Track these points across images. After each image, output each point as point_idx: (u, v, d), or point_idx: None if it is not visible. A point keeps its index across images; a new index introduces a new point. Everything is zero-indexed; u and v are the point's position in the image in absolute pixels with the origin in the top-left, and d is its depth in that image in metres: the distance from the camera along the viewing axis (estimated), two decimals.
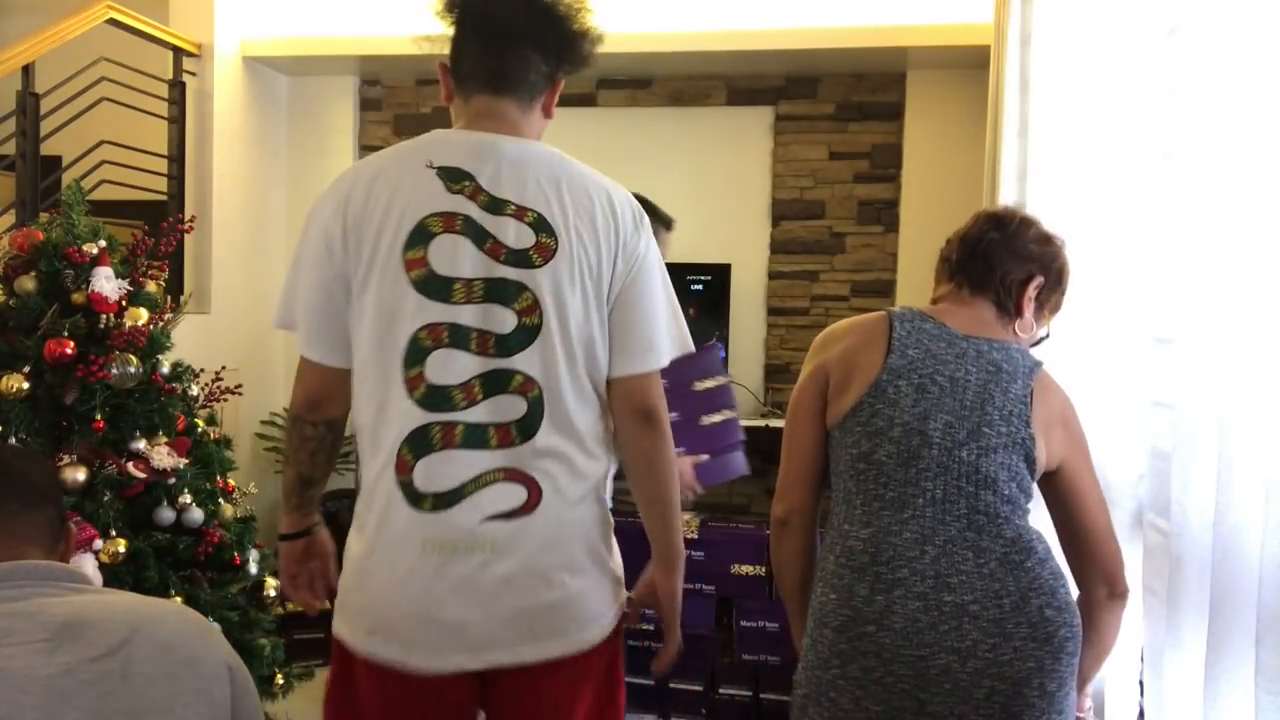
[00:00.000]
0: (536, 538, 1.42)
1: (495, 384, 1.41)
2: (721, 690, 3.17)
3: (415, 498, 1.41)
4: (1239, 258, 1.52)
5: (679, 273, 3.80)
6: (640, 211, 1.53)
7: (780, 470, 1.65)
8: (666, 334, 1.50)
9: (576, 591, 1.45)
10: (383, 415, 1.42)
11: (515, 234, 1.42)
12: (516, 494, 1.42)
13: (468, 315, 1.40)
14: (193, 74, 3.74)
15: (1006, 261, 1.59)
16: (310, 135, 4.21)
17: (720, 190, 3.97)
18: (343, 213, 1.43)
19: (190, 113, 3.74)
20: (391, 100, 4.18)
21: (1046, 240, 1.64)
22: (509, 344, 1.41)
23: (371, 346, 1.42)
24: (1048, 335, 1.70)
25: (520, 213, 1.43)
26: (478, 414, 1.41)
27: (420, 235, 1.40)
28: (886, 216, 3.85)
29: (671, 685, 3.23)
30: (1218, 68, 1.59)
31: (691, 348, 1.57)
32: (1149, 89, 1.89)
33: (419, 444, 1.40)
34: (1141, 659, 1.89)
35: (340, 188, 1.46)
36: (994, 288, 1.60)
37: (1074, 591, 1.53)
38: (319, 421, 1.52)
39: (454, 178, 1.43)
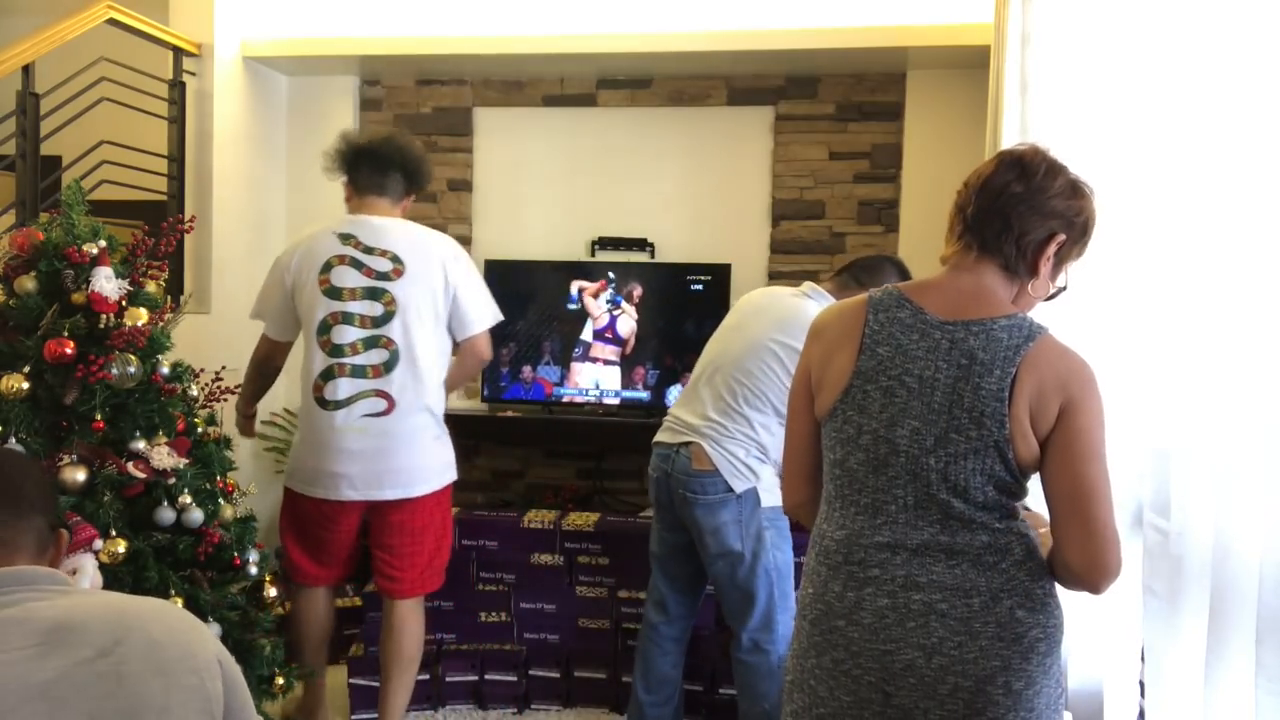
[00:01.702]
0: (391, 430, 2.67)
1: (370, 343, 2.67)
2: (721, 690, 3.17)
3: (324, 404, 2.68)
4: (1240, 256, 1.52)
5: (679, 273, 3.81)
6: (458, 249, 2.79)
7: (783, 464, 1.69)
8: (482, 313, 2.79)
9: (413, 463, 2.71)
10: (311, 363, 2.71)
11: (381, 264, 2.69)
12: (380, 404, 2.66)
13: (355, 307, 2.67)
14: (193, 74, 3.74)
15: (1027, 219, 1.46)
16: (310, 135, 4.20)
17: (720, 190, 3.98)
18: (291, 258, 2.76)
19: (190, 113, 3.74)
20: (391, 100, 4.18)
21: (1073, 192, 1.48)
22: (379, 321, 2.67)
23: (306, 327, 2.72)
24: (1065, 287, 1.56)
25: (384, 253, 2.70)
26: (360, 359, 2.67)
27: (326, 267, 2.69)
28: (886, 216, 3.85)
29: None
30: (1217, 65, 1.59)
31: (500, 317, 2.86)
32: (1148, 88, 1.89)
33: (326, 375, 2.67)
34: (1141, 659, 1.90)
35: (291, 245, 2.82)
36: (1006, 249, 1.47)
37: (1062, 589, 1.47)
38: (270, 370, 2.95)
39: (345, 238, 2.72)
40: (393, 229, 2.74)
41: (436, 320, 2.72)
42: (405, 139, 2.87)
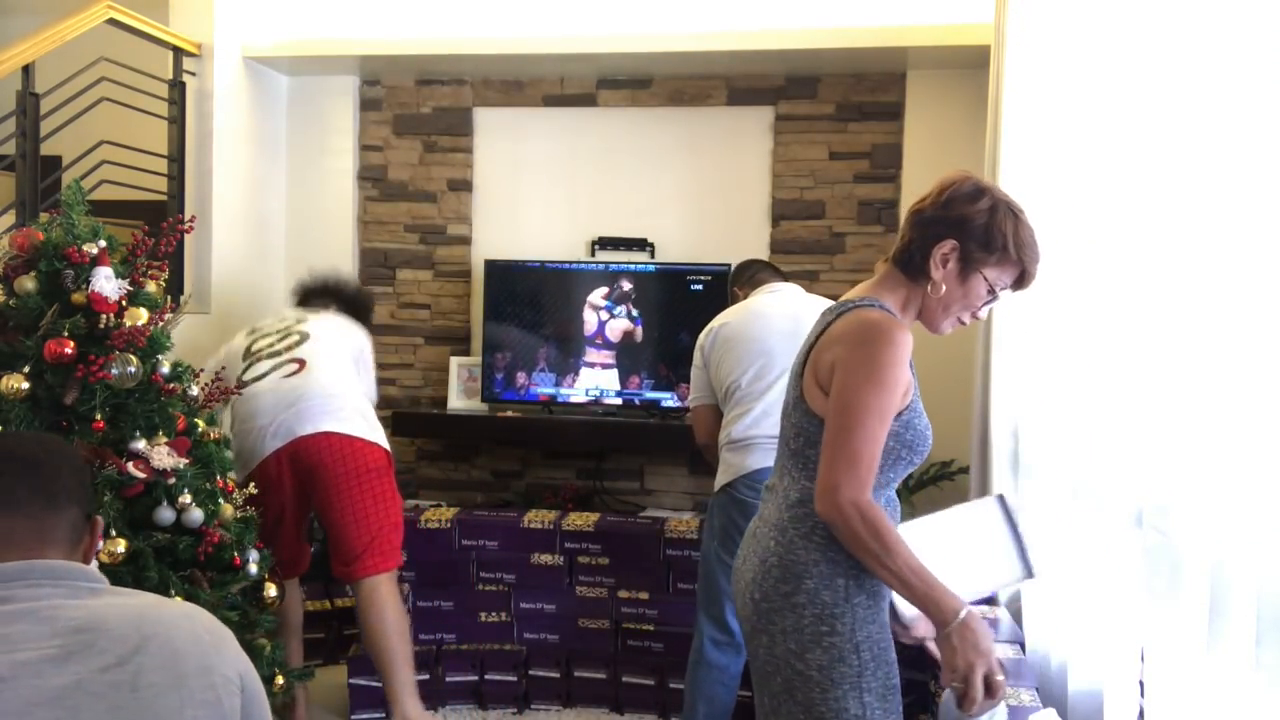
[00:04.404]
0: (306, 387, 2.89)
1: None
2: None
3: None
4: (1240, 258, 1.52)
5: (679, 274, 3.81)
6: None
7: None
8: None
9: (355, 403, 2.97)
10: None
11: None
12: (293, 367, 2.93)
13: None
14: (193, 74, 3.74)
15: (916, 229, 1.66)
16: (310, 135, 4.20)
17: (720, 190, 3.97)
18: None
19: (190, 113, 3.74)
20: (391, 100, 4.18)
21: (967, 199, 1.62)
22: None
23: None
24: (994, 298, 1.65)
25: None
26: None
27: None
28: (886, 216, 3.85)
29: (672, 685, 3.23)
30: (1218, 65, 1.59)
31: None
32: (1148, 87, 1.89)
33: None
34: (1141, 659, 1.90)
35: None
36: (902, 259, 1.67)
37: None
38: None
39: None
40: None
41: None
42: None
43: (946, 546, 1.68)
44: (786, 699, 1.63)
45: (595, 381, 3.83)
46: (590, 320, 3.83)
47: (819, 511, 1.56)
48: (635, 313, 3.81)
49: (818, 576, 1.60)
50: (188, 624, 1.20)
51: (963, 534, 1.73)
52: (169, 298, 2.55)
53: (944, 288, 1.62)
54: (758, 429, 2.68)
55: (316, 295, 3.35)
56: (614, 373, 3.83)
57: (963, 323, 1.68)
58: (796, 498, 1.66)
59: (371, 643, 2.87)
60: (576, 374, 3.85)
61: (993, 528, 1.73)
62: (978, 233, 1.60)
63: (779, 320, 2.74)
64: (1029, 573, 1.73)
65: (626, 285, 3.81)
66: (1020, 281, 1.65)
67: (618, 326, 3.81)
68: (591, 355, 3.84)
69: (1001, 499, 1.75)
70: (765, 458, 2.61)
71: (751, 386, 2.72)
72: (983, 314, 1.68)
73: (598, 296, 3.82)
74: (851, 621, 1.58)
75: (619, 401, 3.82)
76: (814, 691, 1.59)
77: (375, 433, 2.95)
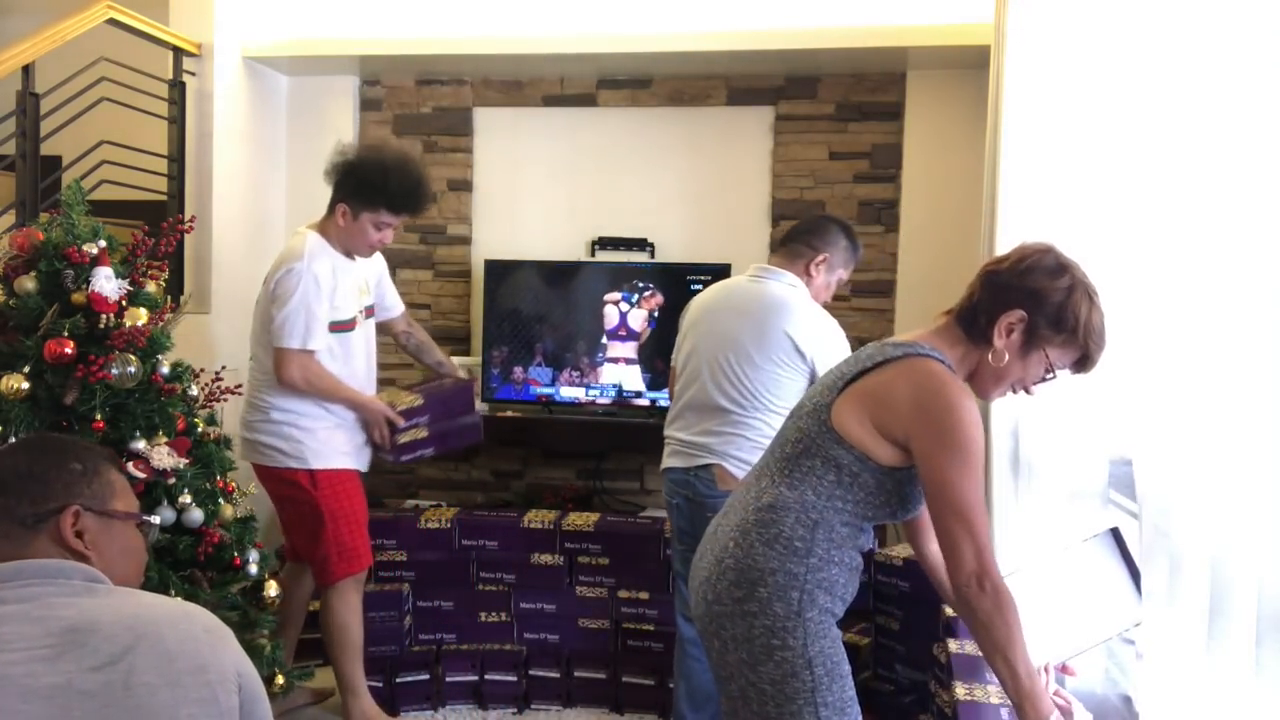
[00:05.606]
0: (244, 413, 2.95)
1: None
2: None
3: None
4: (1242, 256, 1.52)
5: (678, 273, 3.80)
6: (283, 268, 2.83)
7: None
8: (275, 332, 2.81)
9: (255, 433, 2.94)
10: None
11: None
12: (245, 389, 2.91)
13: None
14: (193, 74, 3.74)
15: (989, 292, 1.62)
16: (310, 135, 4.20)
17: (720, 190, 3.97)
18: None
19: (190, 113, 3.74)
20: (391, 100, 4.18)
21: (1047, 274, 1.59)
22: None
23: None
24: (1052, 376, 1.63)
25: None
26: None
27: None
28: (886, 216, 3.85)
29: (671, 685, 3.23)
30: (1219, 65, 1.59)
31: (291, 346, 2.80)
32: (1149, 87, 1.89)
33: None
34: (1141, 659, 1.89)
35: None
36: (965, 317, 1.64)
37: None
38: None
39: None
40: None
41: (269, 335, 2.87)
42: (369, 151, 3.04)
43: (1063, 596, 1.60)
44: (743, 705, 1.63)
45: (619, 377, 3.80)
46: (611, 315, 3.81)
47: (964, 597, 1.51)
48: (644, 292, 3.80)
49: (773, 586, 1.58)
50: (185, 623, 1.20)
51: (1079, 580, 1.63)
52: (169, 298, 2.56)
53: (1006, 357, 1.59)
54: (670, 428, 2.77)
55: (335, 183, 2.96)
56: (636, 371, 3.78)
57: (1014, 392, 1.65)
58: (768, 502, 1.63)
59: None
60: (599, 370, 3.81)
61: (1108, 567, 1.62)
62: (1050, 310, 1.57)
63: (728, 315, 2.67)
64: (1138, 603, 1.65)
65: (637, 281, 3.79)
66: (1081, 365, 1.62)
67: (639, 318, 3.80)
68: (615, 349, 3.81)
69: (1115, 532, 1.64)
70: (671, 459, 2.72)
71: (679, 381, 2.78)
72: (1035, 390, 1.65)
73: (615, 292, 3.80)
74: (804, 636, 1.57)
75: (618, 402, 3.80)
76: (769, 705, 1.58)
77: (279, 456, 2.89)
